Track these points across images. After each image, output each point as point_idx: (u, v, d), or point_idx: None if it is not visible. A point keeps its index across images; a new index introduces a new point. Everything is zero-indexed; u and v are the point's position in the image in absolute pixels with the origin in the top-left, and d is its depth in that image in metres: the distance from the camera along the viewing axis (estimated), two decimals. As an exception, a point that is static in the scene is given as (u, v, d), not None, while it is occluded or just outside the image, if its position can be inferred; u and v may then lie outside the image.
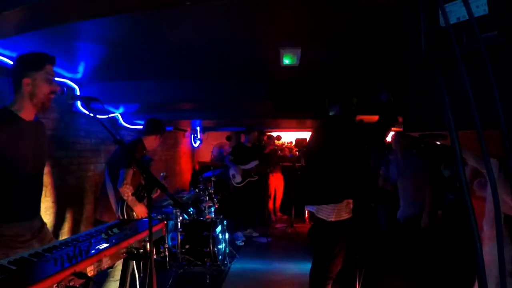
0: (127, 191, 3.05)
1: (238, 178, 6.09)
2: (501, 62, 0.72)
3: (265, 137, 7.40)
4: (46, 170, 3.43)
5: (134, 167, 3.08)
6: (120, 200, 3.16)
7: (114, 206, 3.18)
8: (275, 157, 7.38)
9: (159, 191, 3.28)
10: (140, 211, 3.18)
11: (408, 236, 3.81)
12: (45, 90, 1.99)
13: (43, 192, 2.30)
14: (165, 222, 3.94)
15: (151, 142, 3.47)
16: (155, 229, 2.12)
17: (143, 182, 3.15)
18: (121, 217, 3.15)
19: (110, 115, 5.44)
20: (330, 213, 2.85)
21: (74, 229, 4.36)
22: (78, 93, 4.37)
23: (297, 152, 8.72)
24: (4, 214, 1.92)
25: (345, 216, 2.86)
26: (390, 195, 4.33)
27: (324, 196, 2.92)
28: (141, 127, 3.45)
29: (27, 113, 2.02)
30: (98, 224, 2.81)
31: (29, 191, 2.05)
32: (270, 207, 7.61)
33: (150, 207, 1.74)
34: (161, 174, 3.99)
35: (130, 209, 3.19)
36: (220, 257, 4.32)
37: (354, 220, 2.91)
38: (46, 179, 3.79)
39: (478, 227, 0.66)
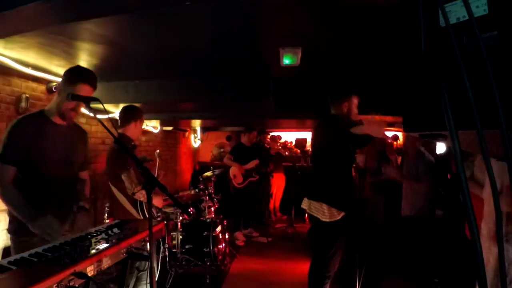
0: (142, 194, 2.89)
1: (239, 179, 6.08)
2: (501, 62, 0.72)
3: (268, 137, 7.38)
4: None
5: (133, 165, 2.94)
6: (138, 202, 3.03)
7: (132, 210, 3.02)
8: (277, 157, 7.39)
9: (161, 201, 3.25)
10: (158, 202, 3.14)
11: (413, 233, 3.84)
12: (68, 105, 2.11)
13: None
14: (165, 222, 3.96)
15: (133, 131, 3.19)
16: (155, 229, 2.11)
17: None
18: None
19: (110, 115, 5.44)
20: (319, 212, 2.88)
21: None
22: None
23: (298, 151, 8.74)
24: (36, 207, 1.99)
25: (338, 215, 2.86)
26: (388, 190, 4.35)
27: (315, 192, 2.96)
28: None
29: (57, 117, 2.17)
30: None
31: (43, 189, 2.10)
32: (270, 207, 7.62)
33: (150, 208, 1.74)
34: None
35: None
36: (220, 257, 4.32)
37: (350, 218, 2.91)
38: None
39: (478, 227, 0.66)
